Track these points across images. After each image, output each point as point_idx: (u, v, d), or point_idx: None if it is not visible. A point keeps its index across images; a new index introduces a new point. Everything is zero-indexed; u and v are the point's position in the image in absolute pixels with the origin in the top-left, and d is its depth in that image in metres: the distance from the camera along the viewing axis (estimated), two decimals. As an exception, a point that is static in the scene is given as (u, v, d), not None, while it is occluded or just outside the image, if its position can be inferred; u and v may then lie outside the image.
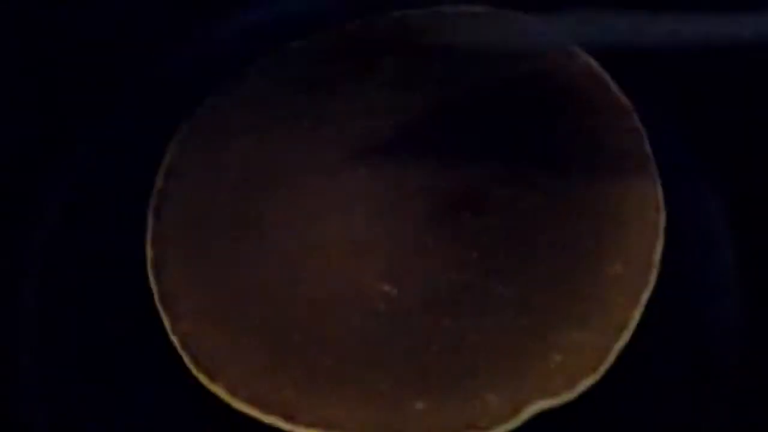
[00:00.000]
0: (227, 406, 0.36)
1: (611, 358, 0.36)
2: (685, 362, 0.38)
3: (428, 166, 0.40)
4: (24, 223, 0.42)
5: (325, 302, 0.38)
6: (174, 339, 0.38)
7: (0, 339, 0.39)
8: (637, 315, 0.37)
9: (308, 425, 0.36)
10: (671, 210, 0.39)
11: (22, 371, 0.39)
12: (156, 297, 0.39)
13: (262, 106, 0.42)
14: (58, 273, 0.41)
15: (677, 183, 0.40)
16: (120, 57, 0.44)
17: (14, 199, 0.42)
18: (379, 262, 0.38)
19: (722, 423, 0.37)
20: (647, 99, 0.42)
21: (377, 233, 0.39)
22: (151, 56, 0.44)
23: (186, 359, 0.37)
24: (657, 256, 0.38)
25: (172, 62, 0.44)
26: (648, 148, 0.40)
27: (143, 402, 0.38)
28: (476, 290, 0.38)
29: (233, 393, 0.36)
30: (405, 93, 0.42)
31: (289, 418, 0.36)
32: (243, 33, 0.45)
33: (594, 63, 0.42)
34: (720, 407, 0.37)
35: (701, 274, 0.39)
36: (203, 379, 0.37)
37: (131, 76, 0.44)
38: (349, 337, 0.37)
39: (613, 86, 0.41)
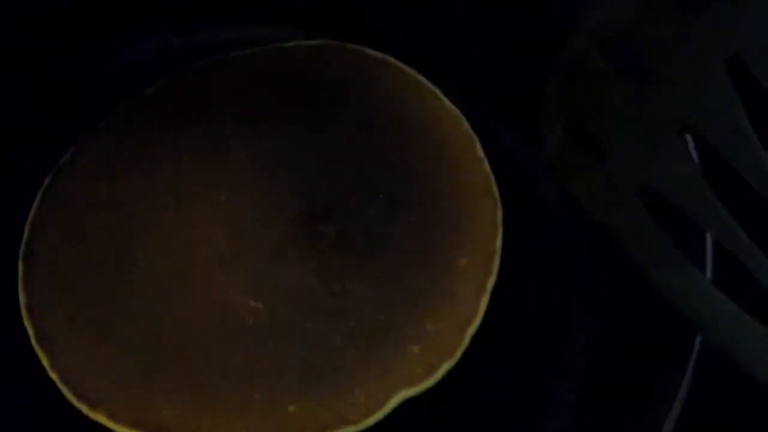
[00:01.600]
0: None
1: (465, 343, 0.39)
2: (534, 340, 0.41)
3: (282, 187, 0.43)
4: None
5: (196, 323, 0.40)
6: (53, 375, 0.39)
7: None
8: (484, 301, 0.40)
9: (189, 440, 0.38)
10: (507, 203, 0.42)
11: None
12: (32, 338, 0.40)
13: (122, 153, 0.44)
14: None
15: (511, 177, 0.44)
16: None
17: None
18: (243, 279, 0.41)
19: (570, 397, 0.40)
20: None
21: (240, 252, 0.41)
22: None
23: (66, 393, 0.39)
24: (498, 246, 0.41)
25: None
26: (481, 153, 0.43)
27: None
28: (337, 295, 0.40)
29: (115, 419, 0.38)
30: (255, 125, 0.44)
31: (168, 437, 0.38)
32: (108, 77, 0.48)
33: (421, 77, 0.45)
34: (568, 383, 0.40)
35: (541, 259, 0.43)
36: (85, 409, 0.39)
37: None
38: (221, 354, 0.39)
39: (443, 97, 0.44)
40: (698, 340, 0.36)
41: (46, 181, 0.44)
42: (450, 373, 0.39)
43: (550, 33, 0.43)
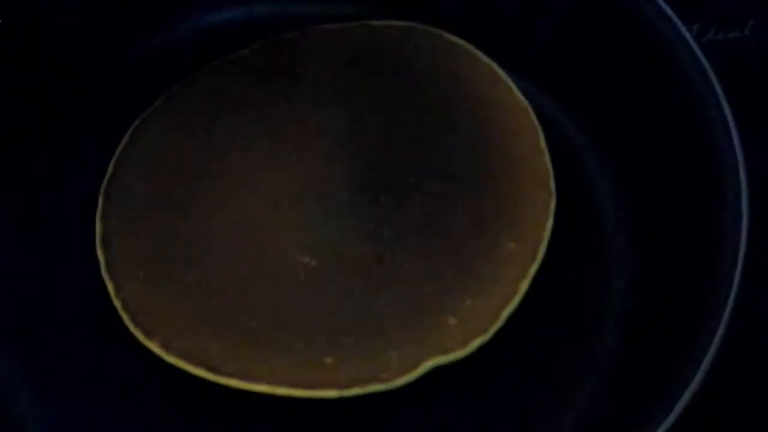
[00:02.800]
0: (161, 361, 0.41)
1: (501, 321, 0.41)
2: (568, 327, 0.42)
3: (350, 156, 0.45)
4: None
5: (251, 270, 0.43)
6: (116, 302, 0.43)
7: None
8: (525, 285, 0.42)
9: (230, 377, 0.40)
10: (562, 194, 0.44)
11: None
12: (102, 266, 0.44)
13: (208, 106, 0.48)
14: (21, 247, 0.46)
15: (569, 170, 0.45)
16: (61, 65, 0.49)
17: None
18: (302, 236, 0.43)
19: (601, 386, 0.41)
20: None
21: (301, 212, 0.44)
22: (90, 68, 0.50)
23: (125, 319, 0.42)
24: (546, 235, 0.43)
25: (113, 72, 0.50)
26: (543, 145, 0.45)
27: (87, 356, 0.43)
28: (386, 263, 0.42)
29: (166, 349, 0.41)
30: (330, 96, 0.47)
31: (213, 370, 0.40)
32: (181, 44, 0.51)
33: (497, 68, 0.47)
34: (599, 376, 0.42)
35: (587, 252, 0.44)
36: (140, 336, 0.42)
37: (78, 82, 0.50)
38: (270, 302, 0.42)
39: (514, 89, 0.46)
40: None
41: (135, 124, 0.47)
42: (482, 348, 0.41)
43: (637, 44, 0.45)
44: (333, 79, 0.48)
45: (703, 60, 0.42)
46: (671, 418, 0.35)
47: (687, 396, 0.36)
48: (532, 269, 0.42)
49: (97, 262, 0.44)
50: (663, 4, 0.44)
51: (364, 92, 0.47)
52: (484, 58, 0.47)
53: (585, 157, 0.47)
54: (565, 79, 0.48)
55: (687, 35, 0.43)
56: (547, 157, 0.45)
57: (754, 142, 0.41)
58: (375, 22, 0.50)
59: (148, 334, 0.42)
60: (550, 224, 0.43)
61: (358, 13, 0.50)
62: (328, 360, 0.40)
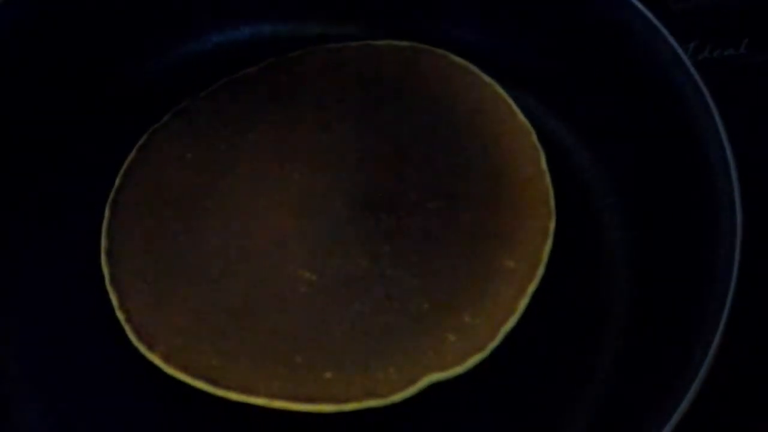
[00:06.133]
0: (162, 372, 0.42)
1: (499, 339, 0.41)
2: (566, 345, 0.43)
3: (351, 173, 0.46)
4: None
5: (253, 285, 0.43)
6: (119, 314, 0.43)
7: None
8: (523, 303, 0.42)
9: (230, 389, 0.41)
10: (562, 213, 0.44)
11: None
12: (107, 279, 0.44)
13: (214, 122, 0.48)
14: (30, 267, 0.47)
15: (571, 191, 0.46)
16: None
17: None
18: (303, 252, 0.44)
19: (597, 405, 0.42)
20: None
21: (303, 228, 0.44)
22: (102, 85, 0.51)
23: (128, 331, 0.43)
24: (545, 254, 0.43)
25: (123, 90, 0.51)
26: (544, 166, 0.45)
27: (89, 367, 0.43)
28: (386, 278, 0.43)
29: (167, 361, 0.42)
30: (334, 115, 0.48)
31: (213, 383, 0.41)
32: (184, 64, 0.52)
33: (499, 88, 0.48)
34: (597, 395, 0.42)
35: (585, 271, 0.45)
36: (142, 348, 0.42)
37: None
38: (272, 316, 0.43)
39: (516, 109, 0.47)
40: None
41: (143, 139, 0.48)
42: (480, 365, 0.41)
43: (634, 62, 0.46)
44: (337, 98, 0.48)
45: (699, 78, 0.43)
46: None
47: (682, 411, 0.36)
48: (531, 288, 0.42)
49: (101, 274, 0.44)
50: (658, 23, 0.45)
51: (367, 111, 0.48)
52: (487, 79, 0.48)
53: (586, 175, 0.47)
54: (566, 97, 0.49)
55: (682, 53, 0.44)
56: (547, 178, 0.45)
57: (748, 159, 0.41)
58: (378, 42, 0.50)
59: (150, 346, 0.42)
60: (549, 244, 0.43)
61: (360, 32, 0.51)
62: (327, 374, 0.41)
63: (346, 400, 0.40)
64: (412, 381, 0.40)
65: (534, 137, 0.46)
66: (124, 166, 0.47)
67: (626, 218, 0.45)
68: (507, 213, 0.44)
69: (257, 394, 0.40)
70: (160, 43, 0.52)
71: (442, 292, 0.43)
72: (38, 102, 0.49)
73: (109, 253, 0.45)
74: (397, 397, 0.40)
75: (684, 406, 0.35)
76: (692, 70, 0.43)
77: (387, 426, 0.41)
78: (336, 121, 0.48)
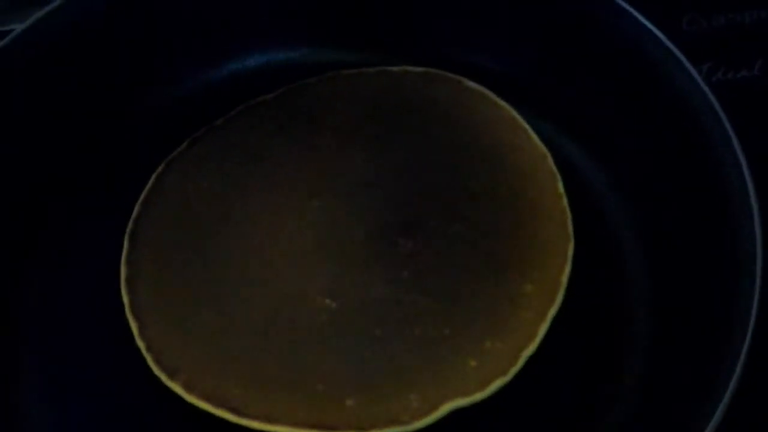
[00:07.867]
0: (183, 402, 0.42)
1: (519, 364, 0.41)
2: (588, 369, 0.43)
3: (370, 199, 0.46)
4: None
5: (273, 312, 0.43)
6: (140, 343, 0.43)
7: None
8: (544, 328, 0.42)
9: (252, 418, 0.41)
10: (581, 239, 0.44)
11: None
12: (126, 307, 0.44)
13: (232, 149, 0.49)
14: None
15: (588, 214, 0.46)
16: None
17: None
18: (322, 279, 0.44)
19: (621, 429, 0.42)
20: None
21: (322, 256, 0.45)
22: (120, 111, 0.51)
23: (149, 360, 0.43)
24: (564, 278, 0.43)
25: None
26: (561, 190, 0.46)
27: (110, 396, 0.43)
28: (406, 304, 0.43)
29: (189, 389, 0.42)
30: (351, 142, 0.48)
31: (236, 412, 0.41)
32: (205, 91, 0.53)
33: (515, 113, 0.48)
34: (619, 418, 0.42)
35: (605, 294, 0.45)
36: (163, 377, 0.42)
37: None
38: (292, 344, 0.43)
39: (532, 134, 0.47)
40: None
41: (160, 168, 0.48)
42: (501, 390, 0.41)
43: (649, 85, 0.46)
44: (354, 124, 0.49)
45: (714, 99, 0.43)
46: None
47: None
48: (551, 312, 0.42)
49: (121, 303, 0.45)
50: (672, 46, 0.45)
51: (384, 137, 0.48)
52: (503, 104, 0.48)
53: (604, 198, 0.47)
54: (581, 120, 0.49)
55: (696, 75, 0.44)
56: (565, 201, 0.45)
57: (765, 179, 0.41)
58: (394, 68, 0.51)
59: (171, 375, 0.42)
60: (568, 268, 0.43)
61: (375, 58, 0.51)
62: (349, 402, 0.41)
63: (369, 428, 0.40)
64: (435, 407, 0.40)
65: (550, 161, 0.47)
66: (143, 195, 0.47)
67: (645, 241, 0.46)
68: (525, 237, 0.45)
69: (280, 422, 0.40)
70: (177, 71, 0.52)
71: (462, 317, 0.43)
72: (57, 131, 0.50)
73: (128, 282, 0.45)
74: (420, 423, 0.40)
75: (712, 426, 0.35)
76: (707, 91, 0.44)
77: (409, 452, 0.41)
78: (353, 146, 0.48)
